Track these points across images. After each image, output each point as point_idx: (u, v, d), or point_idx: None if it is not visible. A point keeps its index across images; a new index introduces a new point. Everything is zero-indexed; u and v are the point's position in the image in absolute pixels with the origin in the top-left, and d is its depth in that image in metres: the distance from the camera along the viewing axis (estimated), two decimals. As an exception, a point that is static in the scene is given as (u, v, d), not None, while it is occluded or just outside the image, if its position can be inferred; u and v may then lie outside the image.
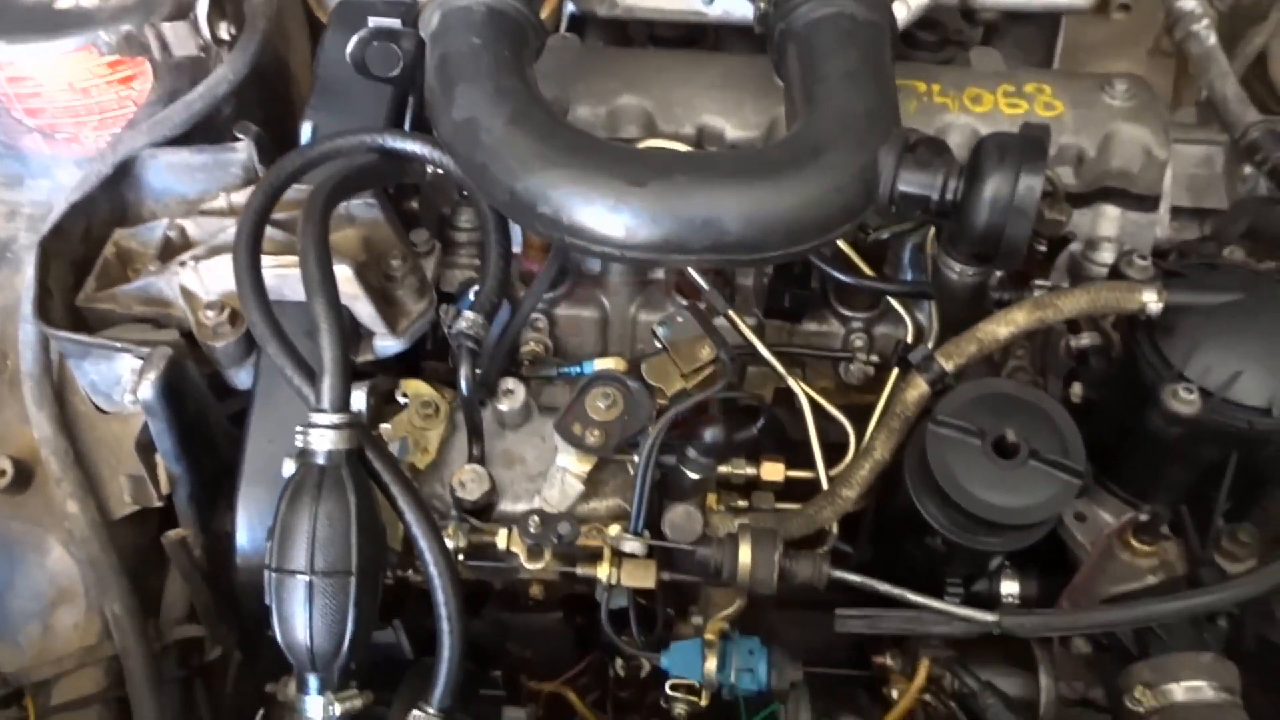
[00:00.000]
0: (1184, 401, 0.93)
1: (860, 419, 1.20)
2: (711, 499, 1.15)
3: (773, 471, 1.21)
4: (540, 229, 1.02)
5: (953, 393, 1.06)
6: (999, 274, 1.17)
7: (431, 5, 1.12)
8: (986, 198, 0.96)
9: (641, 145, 1.24)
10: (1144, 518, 1.04)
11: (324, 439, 0.93)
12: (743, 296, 1.34)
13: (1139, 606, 0.95)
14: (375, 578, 0.94)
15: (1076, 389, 1.14)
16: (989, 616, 0.94)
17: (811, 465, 1.17)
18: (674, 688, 1.08)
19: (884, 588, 0.97)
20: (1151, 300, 0.98)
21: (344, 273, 1.09)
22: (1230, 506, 1.11)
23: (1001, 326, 1.03)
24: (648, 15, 1.39)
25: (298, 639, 0.90)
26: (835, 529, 1.16)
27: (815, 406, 1.20)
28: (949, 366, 1.08)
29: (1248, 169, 1.26)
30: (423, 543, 0.94)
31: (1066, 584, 1.10)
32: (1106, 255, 1.28)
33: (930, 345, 1.13)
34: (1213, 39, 1.24)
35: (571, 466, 1.07)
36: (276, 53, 1.41)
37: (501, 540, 1.03)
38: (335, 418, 0.93)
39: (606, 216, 0.97)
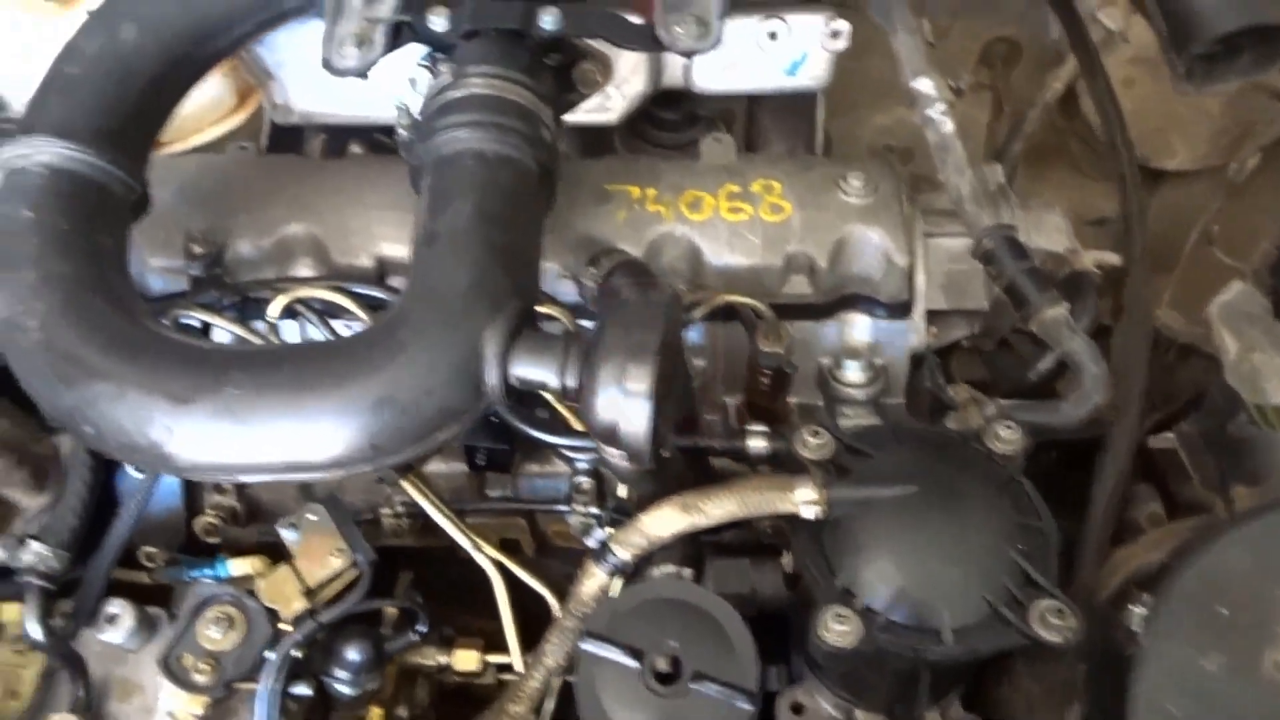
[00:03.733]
0: (837, 633, 0.77)
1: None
2: (375, 714, 0.99)
3: (466, 660, 1.06)
4: (95, 447, 0.86)
5: (612, 599, 0.90)
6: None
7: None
8: (597, 389, 0.79)
9: (284, 298, 1.07)
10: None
11: None
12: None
13: None
14: None
15: (786, 559, 0.99)
16: None
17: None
18: None
19: None
20: (807, 501, 0.81)
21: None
22: (963, 694, 0.97)
23: (659, 526, 0.87)
24: (326, 120, 1.22)
25: None
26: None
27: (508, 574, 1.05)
28: (626, 556, 0.93)
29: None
30: None
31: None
32: (853, 374, 1.12)
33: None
34: (949, 126, 1.06)
35: (179, 709, 0.91)
36: None
37: (76, 821, 0.88)
38: None
39: (153, 443, 0.81)
